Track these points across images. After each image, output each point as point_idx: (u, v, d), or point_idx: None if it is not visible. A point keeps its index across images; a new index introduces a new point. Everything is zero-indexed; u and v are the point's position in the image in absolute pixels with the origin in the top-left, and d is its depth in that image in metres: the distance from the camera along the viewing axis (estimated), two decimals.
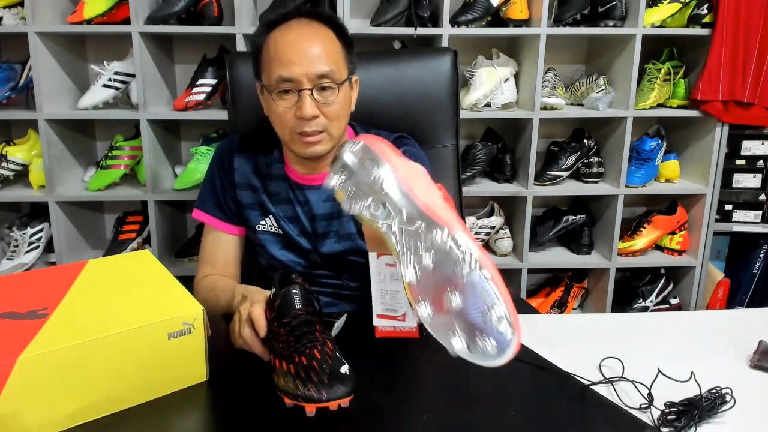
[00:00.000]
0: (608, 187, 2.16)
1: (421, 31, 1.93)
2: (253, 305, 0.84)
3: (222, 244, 1.17)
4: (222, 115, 1.93)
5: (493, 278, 0.57)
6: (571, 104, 2.21)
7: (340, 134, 1.05)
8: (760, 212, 2.24)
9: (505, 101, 2.07)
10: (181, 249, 2.13)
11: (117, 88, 1.98)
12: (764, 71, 2.02)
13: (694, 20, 2.02)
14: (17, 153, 2.01)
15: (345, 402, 0.69)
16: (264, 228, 1.13)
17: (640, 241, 2.22)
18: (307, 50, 0.98)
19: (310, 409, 0.68)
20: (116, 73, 1.97)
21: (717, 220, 2.20)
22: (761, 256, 2.30)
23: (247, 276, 1.22)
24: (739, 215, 2.25)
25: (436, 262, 0.59)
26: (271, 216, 1.12)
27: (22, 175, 2.06)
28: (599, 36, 2.17)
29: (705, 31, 2.02)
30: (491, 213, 2.24)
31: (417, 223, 0.59)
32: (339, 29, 1.04)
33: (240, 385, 0.79)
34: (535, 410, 0.74)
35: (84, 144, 2.17)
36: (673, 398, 0.77)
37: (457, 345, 0.57)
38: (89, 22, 1.85)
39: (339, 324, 0.87)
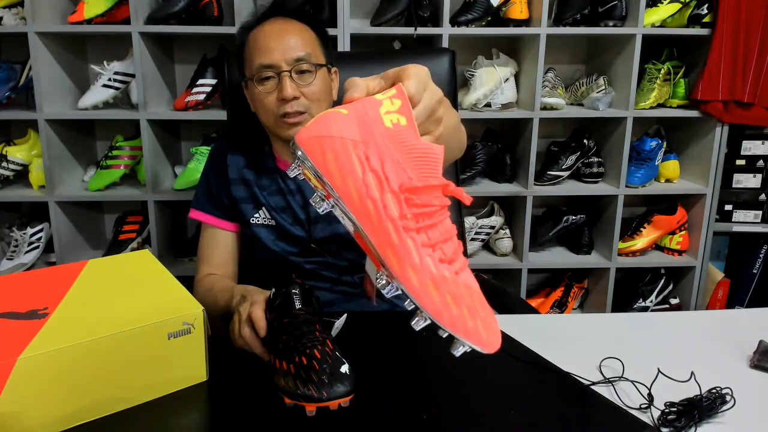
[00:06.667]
0: (608, 187, 2.16)
1: (421, 31, 1.93)
2: (253, 305, 0.84)
3: (218, 242, 1.19)
4: (222, 115, 1.93)
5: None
6: (571, 104, 2.21)
7: None
8: (760, 212, 2.24)
9: (505, 101, 2.07)
10: (181, 249, 2.13)
11: (117, 88, 1.98)
12: (764, 71, 2.02)
13: (694, 20, 2.02)
14: (17, 153, 2.01)
15: (345, 401, 0.69)
16: (258, 221, 1.14)
17: (640, 241, 2.22)
18: (284, 38, 1.05)
19: (311, 409, 0.69)
20: (116, 73, 1.97)
21: (717, 220, 2.20)
22: (761, 256, 2.30)
23: (243, 276, 1.22)
24: (739, 215, 2.25)
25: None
26: (263, 208, 1.14)
27: (22, 175, 2.06)
28: (599, 36, 2.17)
29: (705, 31, 2.02)
30: (491, 213, 2.24)
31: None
32: (313, 24, 1.11)
33: (240, 385, 0.78)
34: (535, 410, 0.74)
35: (84, 144, 2.17)
36: (673, 398, 0.76)
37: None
38: (89, 22, 1.85)
39: (339, 324, 0.87)
